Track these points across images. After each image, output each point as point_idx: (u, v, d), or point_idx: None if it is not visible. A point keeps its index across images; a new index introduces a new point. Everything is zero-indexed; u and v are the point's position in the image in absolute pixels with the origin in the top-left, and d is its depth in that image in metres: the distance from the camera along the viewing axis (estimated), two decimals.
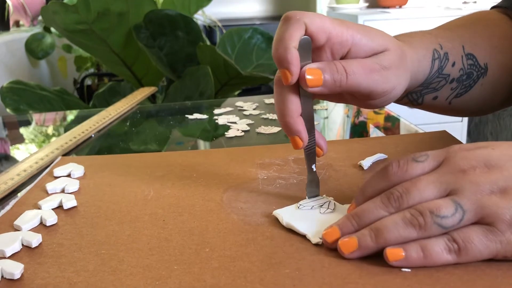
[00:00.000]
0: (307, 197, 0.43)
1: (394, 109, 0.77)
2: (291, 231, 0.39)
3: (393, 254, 0.33)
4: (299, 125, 0.40)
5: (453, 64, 0.51)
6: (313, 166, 0.43)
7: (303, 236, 0.37)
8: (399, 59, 0.43)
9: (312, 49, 0.40)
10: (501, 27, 0.57)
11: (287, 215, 0.40)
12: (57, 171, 0.54)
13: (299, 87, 0.40)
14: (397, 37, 0.48)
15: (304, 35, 0.39)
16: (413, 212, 0.33)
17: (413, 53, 0.47)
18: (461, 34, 0.54)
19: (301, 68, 0.39)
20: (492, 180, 0.33)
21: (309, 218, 0.40)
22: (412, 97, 0.53)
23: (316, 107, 0.84)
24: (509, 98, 0.58)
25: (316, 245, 0.36)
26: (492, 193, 0.32)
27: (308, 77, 0.39)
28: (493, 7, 0.61)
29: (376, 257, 0.34)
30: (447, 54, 0.50)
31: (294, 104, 0.40)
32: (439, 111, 0.57)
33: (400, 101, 0.53)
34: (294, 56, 0.38)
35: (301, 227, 0.38)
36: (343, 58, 0.42)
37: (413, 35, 0.50)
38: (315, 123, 0.60)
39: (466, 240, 0.32)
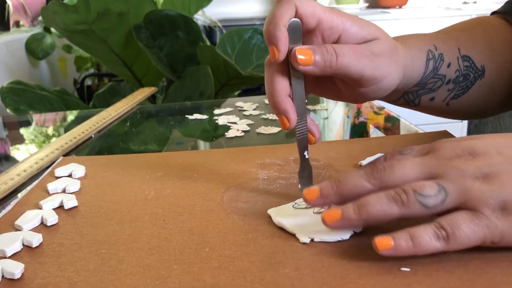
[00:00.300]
0: (299, 187, 0.43)
1: (394, 109, 0.78)
2: None
3: (382, 243, 0.33)
4: (287, 104, 0.40)
5: (449, 65, 0.51)
6: (306, 153, 0.43)
7: None
8: (390, 49, 0.44)
9: (303, 33, 0.41)
10: (500, 31, 0.57)
11: (280, 214, 0.40)
12: (58, 171, 0.54)
13: (288, 69, 0.41)
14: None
15: (295, 17, 0.40)
16: (397, 190, 0.33)
17: (407, 51, 0.47)
18: (457, 36, 0.54)
19: (292, 49, 0.40)
20: (476, 166, 0.33)
21: (302, 217, 0.40)
22: (409, 98, 0.53)
23: (316, 107, 0.84)
24: (508, 101, 0.58)
25: (304, 243, 0.36)
26: (475, 179, 0.33)
27: (299, 56, 0.40)
28: (493, 13, 0.62)
29: (376, 257, 0.34)
30: (442, 55, 0.51)
31: (282, 84, 0.41)
32: (437, 113, 0.57)
33: (397, 101, 0.54)
34: (282, 33, 0.39)
35: (291, 226, 0.38)
36: (334, 43, 0.42)
37: (408, 37, 0.50)
38: (315, 122, 0.60)
39: (454, 226, 0.32)
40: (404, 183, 0.34)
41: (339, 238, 0.36)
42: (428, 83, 0.51)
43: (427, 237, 0.32)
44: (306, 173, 0.44)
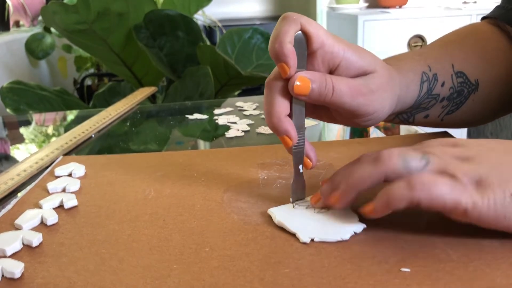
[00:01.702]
0: (291, 200, 0.43)
1: None
2: None
3: (366, 208, 0.36)
4: (286, 124, 0.41)
5: (443, 84, 0.52)
6: (300, 167, 0.43)
7: None
8: (387, 82, 0.45)
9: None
10: (492, 39, 0.57)
11: (281, 213, 0.40)
12: (58, 171, 0.54)
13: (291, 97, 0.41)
14: (385, 60, 0.49)
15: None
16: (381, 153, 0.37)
17: (402, 78, 0.48)
18: (450, 52, 0.54)
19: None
20: (457, 151, 0.36)
21: (302, 217, 0.40)
22: (403, 117, 0.54)
23: None
24: (503, 108, 0.58)
25: (305, 243, 0.36)
26: (456, 159, 0.36)
27: (297, 83, 0.40)
28: (483, 18, 0.62)
29: (376, 257, 0.34)
30: (436, 75, 0.51)
31: (282, 104, 0.41)
32: (432, 127, 0.58)
33: (391, 121, 0.54)
34: (289, 50, 0.39)
35: (291, 226, 0.38)
36: (332, 72, 0.43)
37: (401, 58, 0.51)
38: (315, 123, 0.60)
39: (430, 184, 0.34)
40: (395, 168, 0.36)
41: (339, 238, 0.36)
42: (422, 103, 0.52)
43: (397, 190, 0.34)
44: (299, 186, 0.43)
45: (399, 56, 0.52)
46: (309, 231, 0.37)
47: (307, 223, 0.39)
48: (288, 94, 0.41)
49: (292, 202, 0.42)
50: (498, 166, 0.35)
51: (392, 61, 0.49)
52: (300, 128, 0.41)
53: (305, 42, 0.40)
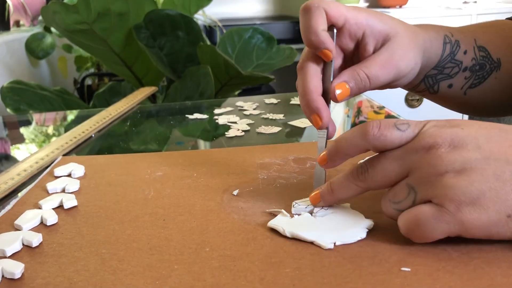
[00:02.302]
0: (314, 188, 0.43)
1: (394, 109, 0.78)
2: None
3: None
4: (319, 103, 0.43)
5: (465, 52, 0.53)
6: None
7: None
8: (411, 39, 0.47)
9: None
10: None
11: (287, 225, 0.39)
12: (58, 171, 0.54)
13: (322, 70, 0.44)
14: None
15: (327, 20, 0.43)
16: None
17: (424, 33, 0.50)
18: (473, 30, 0.56)
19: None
20: (450, 160, 0.33)
21: (311, 224, 0.39)
22: (428, 83, 0.54)
23: None
24: None
25: (329, 249, 0.36)
26: (446, 173, 0.33)
27: (337, 92, 0.43)
28: (507, 19, 0.62)
29: (376, 257, 0.34)
30: (458, 41, 0.53)
31: (314, 83, 0.43)
32: (454, 103, 0.58)
33: (417, 87, 0.55)
34: (326, 37, 0.42)
35: (307, 235, 0.37)
36: (359, 42, 0.46)
37: (422, 24, 0.53)
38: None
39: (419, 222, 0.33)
40: (386, 183, 0.36)
41: (358, 238, 0.36)
42: (446, 68, 0.53)
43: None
44: (322, 174, 0.43)
45: (419, 24, 0.53)
46: (327, 237, 0.37)
47: (320, 229, 0.38)
48: (319, 75, 0.44)
49: (314, 188, 0.42)
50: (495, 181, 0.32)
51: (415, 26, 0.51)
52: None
53: (334, 36, 0.44)
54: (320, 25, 0.42)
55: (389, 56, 0.45)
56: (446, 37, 0.52)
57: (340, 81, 0.44)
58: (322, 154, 0.40)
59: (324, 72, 0.44)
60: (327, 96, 0.44)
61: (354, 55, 0.48)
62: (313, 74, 0.44)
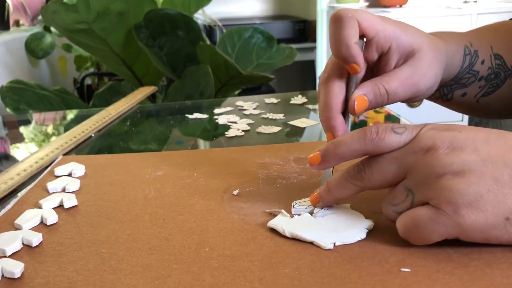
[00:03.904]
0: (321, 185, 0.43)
1: (394, 108, 0.78)
2: None
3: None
4: (337, 121, 0.42)
5: (482, 62, 0.53)
6: None
7: None
8: (434, 56, 0.46)
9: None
10: None
11: (287, 225, 0.39)
12: (58, 171, 0.54)
13: (347, 85, 0.43)
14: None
15: (358, 31, 0.42)
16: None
17: (447, 47, 0.49)
18: (488, 36, 0.55)
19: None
20: (447, 162, 0.33)
21: (311, 224, 0.39)
22: (443, 92, 0.54)
23: (316, 106, 0.84)
24: None
25: (329, 250, 0.36)
26: (443, 175, 0.33)
27: (356, 104, 0.42)
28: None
29: (376, 258, 0.34)
30: (477, 51, 0.52)
31: (337, 100, 0.43)
32: (466, 109, 0.58)
33: (432, 95, 0.54)
34: (357, 51, 0.41)
35: (307, 235, 0.37)
36: (383, 54, 0.45)
37: (444, 33, 0.52)
38: (316, 122, 0.59)
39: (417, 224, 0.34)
40: (383, 183, 0.36)
41: (358, 238, 0.36)
42: (463, 78, 0.52)
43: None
44: (329, 172, 0.44)
45: (439, 32, 0.52)
46: (327, 237, 0.37)
47: (319, 229, 0.38)
48: (343, 91, 0.43)
49: (321, 184, 0.42)
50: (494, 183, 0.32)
51: (435, 35, 0.50)
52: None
53: (363, 46, 0.43)
54: (352, 37, 0.41)
55: (411, 74, 0.44)
56: (466, 48, 0.52)
57: (360, 93, 0.43)
58: (314, 154, 0.40)
59: (346, 83, 0.44)
60: (347, 108, 0.43)
61: (375, 66, 0.47)
62: (337, 91, 0.43)
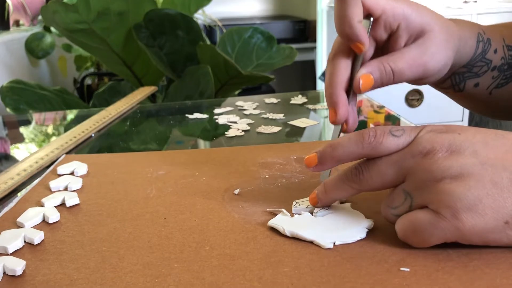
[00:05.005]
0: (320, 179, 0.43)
1: (394, 108, 0.78)
2: None
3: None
4: (339, 97, 0.42)
5: (495, 51, 0.52)
6: None
7: None
8: (445, 39, 0.46)
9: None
10: None
11: (287, 224, 0.39)
12: (61, 169, 0.55)
13: (352, 63, 0.43)
14: None
15: (363, 10, 0.42)
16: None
17: (460, 32, 0.49)
18: (500, 30, 0.55)
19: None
20: (446, 166, 0.33)
21: (311, 223, 0.39)
22: (455, 80, 0.53)
23: (316, 106, 0.85)
24: None
25: (329, 249, 0.36)
26: (442, 179, 0.33)
27: (361, 82, 0.42)
28: None
29: (375, 257, 0.34)
30: (490, 40, 0.52)
31: (341, 77, 0.43)
32: (478, 104, 0.58)
33: (443, 84, 0.54)
34: (361, 30, 0.41)
35: (307, 234, 0.37)
36: (392, 33, 0.44)
37: (457, 19, 0.51)
38: (316, 122, 0.60)
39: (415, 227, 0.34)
40: (380, 186, 0.36)
41: (358, 237, 0.37)
42: (475, 66, 0.52)
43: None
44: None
45: (452, 19, 0.52)
46: (327, 236, 0.37)
47: (319, 228, 0.38)
48: (348, 69, 0.43)
49: (321, 180, 0.42)
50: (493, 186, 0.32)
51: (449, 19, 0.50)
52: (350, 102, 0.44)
53: (370, 26, 0.43)
54: (356, 16, 0.41)
55: (419, 54, 0.44)
56: (479, 35, 0.51)
57: (365, 71, 0.43)
58: (311, 156, 0.40)
59: (352, 63, 0.44)
60: (352, 87, 0.43)
61: (384, 45, 0.46)
62: (342, 68, 0.43)
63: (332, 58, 0.44)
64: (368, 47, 0.42)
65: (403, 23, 0.44)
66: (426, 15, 0.45)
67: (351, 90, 0.43)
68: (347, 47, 0.43)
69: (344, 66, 0.43)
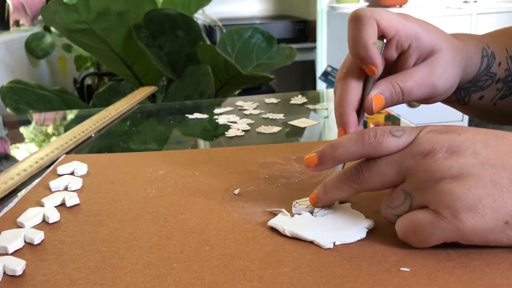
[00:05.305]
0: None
1: (394, 108, 0.78)
2: None
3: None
4: (350, 118, 0.42)
5: (499, 64, 0.52)
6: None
7: None
8: (453, 58, 0.46)
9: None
10: None
11: (287, 224, 0.39)
12: (61, 169, 0.55)
13: (364, 83, 0.43)
14: None
15: (377, 31, 0.42)
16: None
17: (466, 49, 0.49)
18: (501, 39, 0.55)
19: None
20: (446, 167, 0.33)
21: (311, 223, 0.39)
22: (460, 95, 0.54)
23: (316, 106, 0.85)
24: None
25: (329, 249, 0.36)
26: (442, 179, 0.33)
27: (373, 103, 0.42)
28: None
29: (375, 257, 0.34)
30: (494, 53, 0.52)
31: (352, 97, 0.43)
32: (482, 114, 0.58)
33: (448, 98, 0.54)
34: (375, 52, 0.41)
35: (307, 234, 0.37)
36: (403, 52, 0.45)
37: (462, 35, 0.52)
38: (315, 122, 0.59)
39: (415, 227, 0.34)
40: (380, 186, 0.36)
41: (358, 237, 0.37)
42: (480, 81, 0.52)
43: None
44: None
45: (456, 34, 0.52)
46: (327, 236, 0.37)
47: (319, 228, 0.38)
48: (359, 89, 0.43)
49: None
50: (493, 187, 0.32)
51: (454, 36, 0.50)
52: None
53: (383, 47, 0.43)
54: (371, 38, 0.41)
55: (427, 74, 0.44)
56: (484, 50, 0.51)
57: (376, 92, 0.43)
58: (310, 155, 0.39)
59: (363, 82, 0.43)
60: (362, 106, 0.43)
61: (393, 64, 0.46)
62: (353, 88, 0.43)
63: (343, 77, 0.43)
64: (381, 69, 0.43)
65: (414, 43, 0.44)
66: (435, 34, 0.45)
67: (362, 110, 0.43)
68: (358, 67, 0.43)
69: (356, 86, 0.43)
